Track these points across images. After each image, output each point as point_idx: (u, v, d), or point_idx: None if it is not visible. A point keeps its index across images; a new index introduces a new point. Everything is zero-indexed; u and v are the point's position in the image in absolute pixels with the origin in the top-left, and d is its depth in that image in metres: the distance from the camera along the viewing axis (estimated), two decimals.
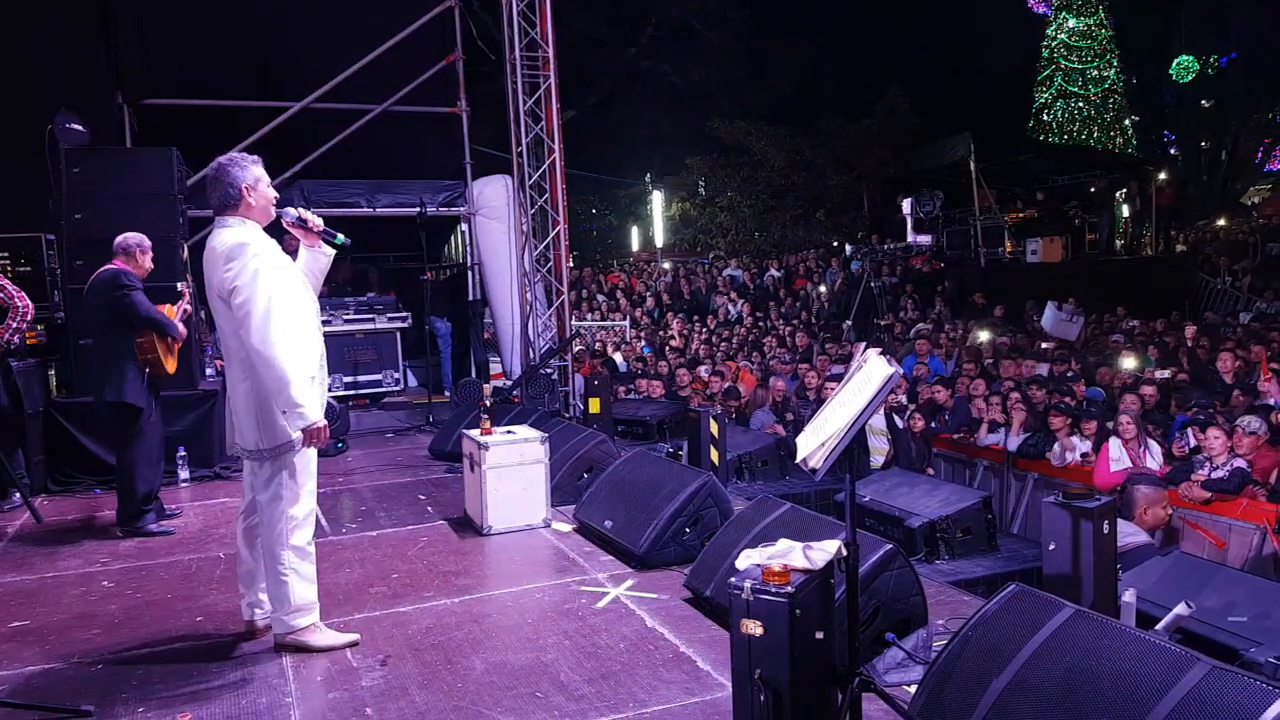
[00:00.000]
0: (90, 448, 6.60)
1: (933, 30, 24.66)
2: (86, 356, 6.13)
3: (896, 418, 8.46)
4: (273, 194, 3.61)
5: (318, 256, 3.73)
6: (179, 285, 5.70)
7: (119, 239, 5.43)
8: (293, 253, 3.74)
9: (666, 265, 22.93)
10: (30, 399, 6.48)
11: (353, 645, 3.65)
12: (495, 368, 10.80)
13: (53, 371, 6.99)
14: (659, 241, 28.19)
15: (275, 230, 3.62)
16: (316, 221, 3.67)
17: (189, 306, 5.71)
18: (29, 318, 5.91)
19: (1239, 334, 11.04)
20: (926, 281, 16.94)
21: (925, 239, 18.94)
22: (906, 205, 17.71)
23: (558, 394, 9.18)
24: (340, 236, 3.72)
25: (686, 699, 3.17)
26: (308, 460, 3.58)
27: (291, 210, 3.63)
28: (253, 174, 3.52)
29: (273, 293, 3.35)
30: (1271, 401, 7.75)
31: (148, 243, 5.49)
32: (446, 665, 3.47)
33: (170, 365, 5.50)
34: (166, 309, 5.50)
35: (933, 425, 8.84)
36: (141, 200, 6.82)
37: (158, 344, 5.34)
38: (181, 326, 5.52)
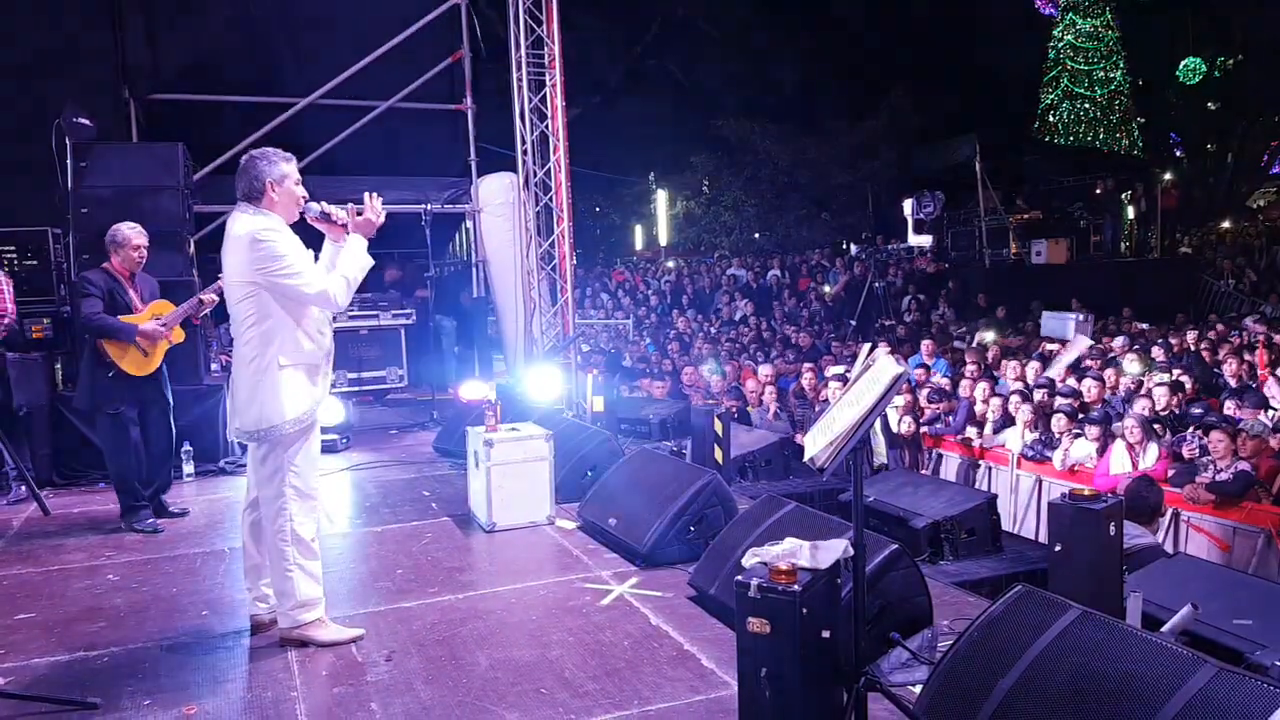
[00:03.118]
0: (95, 441, 6.59)
1: (939, 31, 24.62)
2: None
3: (892, 419, 8.46)
4: (300, 192, 3.58)
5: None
6: (218, 279, 5.46)
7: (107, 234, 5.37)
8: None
9: (671, 264, 22.95)
10: (35, 392, 6.49)
11: (357, 640, 3.66)
12: (499, 365, 10.80)
13: (58, 365, 6.99)
14: (663, 240, 28.23)
15: (300, 229, 3.60)
16: (341, 214, 3.65)
17: (209, 296, 5.42)
18: (6, 323, 5.92)
19: (1243, 337, 11.02)
20: (930, 282, 16.93)
21: (925, 240, 19.00)
22: (907, 207, 17.77)
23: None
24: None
25: (691, 696, 3.17)
26: (310, 455, 3.59)
27: (314, 205, 3.61)
28: (280, 170, 3.51)
29: (310, 260, 3.49)
30: (1276, 404, 7.75)
31: (124, 234, 5.31)
32: (451, 661, 3.48)
33: (135, 366, 5.30)
34: (154, 305, 5.43)
35: (937, 426, 8.84)
36: (148, 194, 6.80)
37: (109, 346, 5.23)
38: (151, 326, 5.30)
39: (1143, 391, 8.14)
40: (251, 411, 3.48)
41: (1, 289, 5.92)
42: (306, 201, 3.60)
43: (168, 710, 3.14)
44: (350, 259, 3.55)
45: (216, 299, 5.45)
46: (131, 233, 5.36)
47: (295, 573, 3.52)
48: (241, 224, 3.45)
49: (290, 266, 3.40)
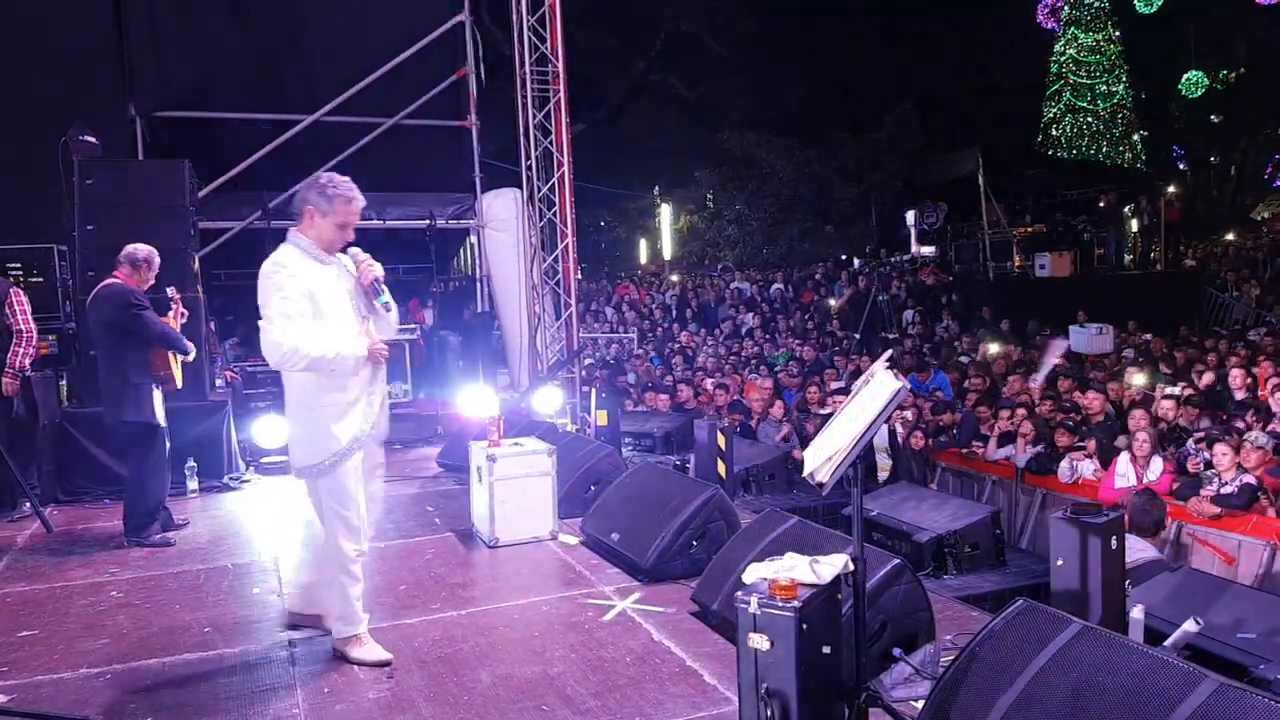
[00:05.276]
0: (100, 458, 6.61)
1: (942, 45, 24.70)
2: (94, 367, 6.15)
3: (899, 432, 8.44)
4: (341, 237, 3.57)
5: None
6: (168, 290, 5.69)
7: (127, 249, 5.41)
8: None
9: (675, 278, 22.99)
10: (43, 410, 6.53)
11: (384, 664, 3.59)
12: (503, 379, 10.82)
13: (63, 382, 7.02)
14: (667, 254, 28.29)
15: None
16: (366, 273, 3.66)
17: (185, 310, 5.71)
18: (34, 342, 6.07)
19: (1247, 349, 10.97)
20: (934, 295, 16.92)
21: (929, 251, 18.98)
22: (910, 217, 17.79)
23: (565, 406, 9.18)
24: (384, 297, 3.68)
25: (693, 713, 3.16)
26: (354, 472, 3.57)
27: (376, 283, 3.65)
28: (325, 204, 3.51)
29: (290, 312, 3.37)
30: None
31: (157, 258, 5.49)
32: (453, 678, 3.48)
33: (180, 377, 5.58)
34: (167, 320, 5.53)
35: (941, 439, 8.82)
36: (153, 212, 6.84)
37: (170, 359, 5.42)
38: (188, 342, 5.55)
39: (1153, 405, 8.09)
40: (301, 449, 3.56)
41: (23, 306, 6.00)
42: (371, 278, 3.62)
43: None
44: (338, 350, 3.45)
45: (186, 310, 5.80)
46: (156, 256, 5.52)
47: (341, 584, 3.58)
48: (272, 255, 3.50)
49: (268, 314, 3.37)
